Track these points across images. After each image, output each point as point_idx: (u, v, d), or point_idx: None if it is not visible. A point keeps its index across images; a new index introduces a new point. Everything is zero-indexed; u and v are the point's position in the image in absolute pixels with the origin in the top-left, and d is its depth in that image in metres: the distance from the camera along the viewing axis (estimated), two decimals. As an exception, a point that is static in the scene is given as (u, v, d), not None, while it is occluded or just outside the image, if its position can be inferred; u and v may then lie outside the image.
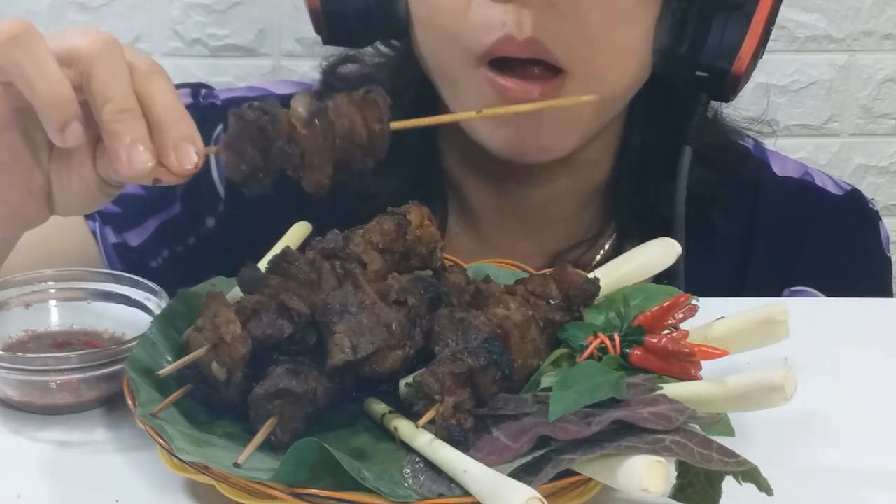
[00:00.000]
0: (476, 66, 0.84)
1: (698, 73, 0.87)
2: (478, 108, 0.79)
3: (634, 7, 0.85)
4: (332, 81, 1.01)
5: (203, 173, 1.00)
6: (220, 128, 1.00)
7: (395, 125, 0.69)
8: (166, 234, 1.00)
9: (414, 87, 0.93)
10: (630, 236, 0.96)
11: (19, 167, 0.68)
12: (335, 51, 1.00)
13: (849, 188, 1.05)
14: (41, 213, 0.71)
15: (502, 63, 0.84)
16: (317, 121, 0.66)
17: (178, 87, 0.98)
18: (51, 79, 0.63)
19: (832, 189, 1.04)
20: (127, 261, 0.98)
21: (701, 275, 0.92)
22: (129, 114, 0.64)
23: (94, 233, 0.98)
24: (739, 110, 1.03)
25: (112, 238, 0.98)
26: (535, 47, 0.82)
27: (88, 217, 0.97)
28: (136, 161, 0.64)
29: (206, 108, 1.01)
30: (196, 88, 1.03)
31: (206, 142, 1.00)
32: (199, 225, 1.01)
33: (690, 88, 0.90)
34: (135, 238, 0.99)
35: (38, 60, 0.63)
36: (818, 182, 1.04)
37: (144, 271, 0.92)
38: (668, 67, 0.88)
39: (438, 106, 0.92)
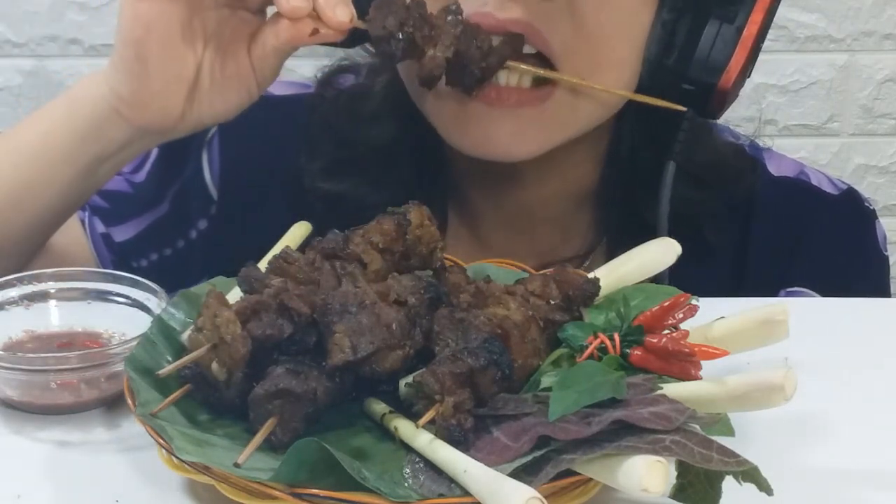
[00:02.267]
0: None
1: (684, 86, 0.87)
2: (440, 108, 0.87)
3: (633, 13, 0.85)
4: (326, 92, 1.01)
5: (196, 177, 1.00)
6: (214, 129, 1.00)
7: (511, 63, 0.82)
8: (155, 236, 1.00)
9: (407, 97, 0.93)
10: (623, 247, 0.96)
11: (183, 46, 0.77)
12: (335, 52, 1.00)
13: (845, 187, 1.04)
14: (177, 108, 0.79)
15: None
16: (453, 14, 0.80)
17: None
18: None
19: (828, 188, 1.03)
20: (113, 251, 0.99)
21: (698, 277, 0.91)
22: None
23: (82, 221, 0.98)
24: (739, 111, 1.02)
25: (100, 228, 0.98)
26: (528, 30, 0.82)
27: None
28: (293, 1, 0.75)
29: None
30: None
31: (200, 143, 1.00)
32: (190, 227, 1.01)
33: (676, 102, 0.90)
34: (120, 234, 0.99)
35: None
36: (814, 181, 1.03)
37: (129, 271, 0.92)
38: (655, 79, 0.87)
39: None
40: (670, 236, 0.90)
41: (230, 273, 0.74)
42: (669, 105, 0.84)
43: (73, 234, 0.97)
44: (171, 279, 0.79)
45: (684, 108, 0.84)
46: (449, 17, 0.79)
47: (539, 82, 0.85)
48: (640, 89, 0.89)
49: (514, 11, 0.82)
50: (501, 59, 0.82)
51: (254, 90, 0.82)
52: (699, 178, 0.95)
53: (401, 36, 0.78)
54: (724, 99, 0.87)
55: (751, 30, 0.85)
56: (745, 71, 0.87)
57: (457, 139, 0.88)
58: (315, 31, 0.77)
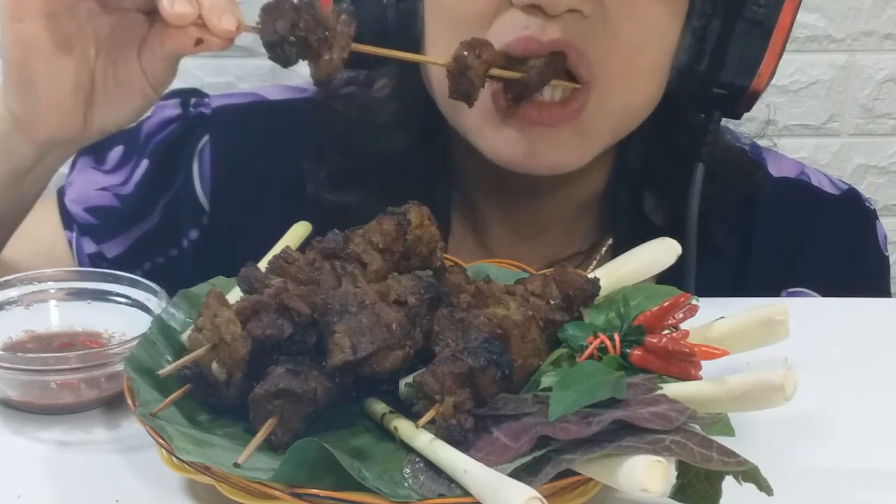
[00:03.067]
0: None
1: (716, 89, 0.87)
2: (481, 124, 0.85)
3: (664, 23, 0.86)
4: (332, 105, 0.99)
5: (186, 188, 1.00)
6: (206, 138, 1.00)
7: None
8: (145, 247, 0.99)
9: (418, 109, 0.93)
10: (627, 248, 0.96)
11: (70, 58, 0.75)
12: None
13: (845, 187, 1.04)
14: (77, 119, 0.78)
15: (517, 90, 0.83)
16: (347, 14, 0.77)
17: (167, 96, 0.98)
18: None
19: (828, 189, 1.03)
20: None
21: (702, 280, 0.91)
22: None
23: (70, 242, 0.98)
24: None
25: (89, 248, 0.98)
26: (567, 48, 0.82)
27: (66, 227, 0.97)
28: (178, 6, 0.71)
29: (194, 118, 1.00)
30: (186, 97, 1.02)
31: (191, 154, 1.00)
32: (181, 237, 1.00)
33: (705, 105, 0.90)
34: (112, 249, 0.98)
35: None
36: (814, 182, 1.03)
37: None
38: (686, 84, 0.88)
39: (445, 128, 0.91)
40: (686, 235, 0.91)
41: (227, 275, 0.74)
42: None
43: (58, 253, 0.97)
44: (164, 286, 0.78)
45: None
46: (342, 17, 0.77)
47: (567, 95, 0.85)
48: (669, 94, 0.89)
49: (554, 32, 0.81)
50: (545, 80, 0.82)
51: (150, 94, 0.81)
52: (715, 177, 0.96)
53: (293, 39, 0.76)
54: (754, 99, 0.88)
55: (779, 33, 0.86)
56: (774, 71, 0.87)
57: (502, 156, 0.87)
58: (199, 41, 0.75)
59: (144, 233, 0.99)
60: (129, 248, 0.99)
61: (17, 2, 0.74)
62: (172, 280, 0.79)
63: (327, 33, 0.76)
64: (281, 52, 0.76)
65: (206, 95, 1.02)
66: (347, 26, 0.77)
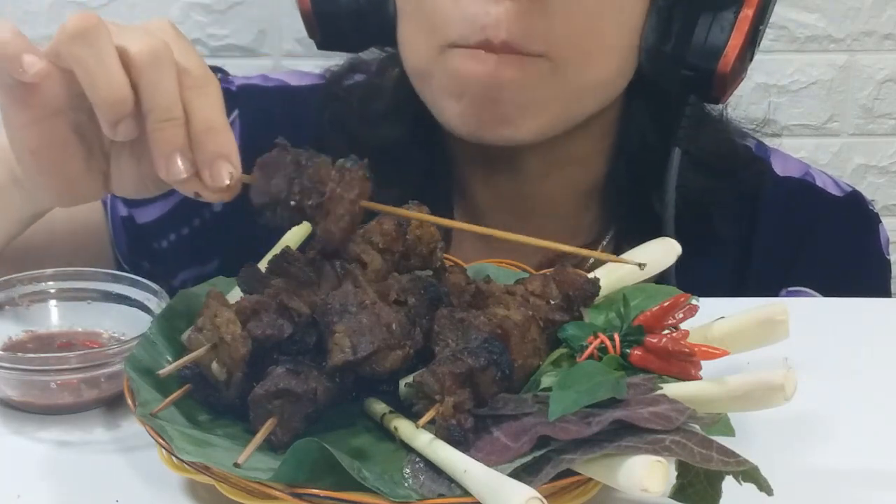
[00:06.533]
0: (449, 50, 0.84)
1: (684, 71, 0.87)
2: (442, 93, 0.86)
3: (622, 4, 0.85)
4: (335, 91, 1.00)
5: None
6: (235, 112, 1.00)
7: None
8: (173, 218, 1.00)
9: (414, 97, 0.93)
10: (628, 240, 0.96)
11: (81, 146, 0.71)
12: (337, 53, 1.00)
13: (849, 189, 1.04)
14: (97, 191, 0.74)
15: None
16: (347, 175, 0.68)
17: None
18: (110, 79, 0.65)
19: (832, 190, 1.03)
20: (132, 235, 0.99)
21: (700, 276, 0.91)
22: (170, 123, 0.66)
23: (104, 203, 0.98)
24: (739, 111, 1.02)
25: (122, 211, 0.98)
26: (512, 47, 0.82)
27: None
28: (172, 170, 0.66)
29: (223, 91, 1.01)
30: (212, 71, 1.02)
31: None
32: (206, 208, 1.01)
33: (678, 88, 0.90)
34: (142, 216, 0.99)
35: (101, 58, 0.65)
36: (819, 183, 1.03)
37: (148, 252, 0.91)
38: (655, 66, 0.88)
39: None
40: (678, 225, 0.91)
41: (240, 253, 0.74)
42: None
43: (91, 212, 0.97)
44: (187, 258, 0.78)
45: None
46: (346, 178, 0.67)
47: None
48: (639, 77, 0.89)
49: (503, 31, 0.81)
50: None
51: (153, 189, 0.75)
52: (708, 166, 0.95)
53: (293, 203, 0.67)
54: (725, 83, 0.87)
55: (747, 11, 0.85)
56: (745, 55, 0.87)
57: (460, 124, 0.87)
58: (197, 195, 0.67)
59: (175, 204, 1.00)
60: (159, 218, 0.99)
61: (6, 114, 0.70)
62: (195, 251, 0.78)
63: (324, 199, 0.67)
64: (272, 216, 0.68)
65: (228, 73, 1.03)
66: (348, 190, 0.67)
